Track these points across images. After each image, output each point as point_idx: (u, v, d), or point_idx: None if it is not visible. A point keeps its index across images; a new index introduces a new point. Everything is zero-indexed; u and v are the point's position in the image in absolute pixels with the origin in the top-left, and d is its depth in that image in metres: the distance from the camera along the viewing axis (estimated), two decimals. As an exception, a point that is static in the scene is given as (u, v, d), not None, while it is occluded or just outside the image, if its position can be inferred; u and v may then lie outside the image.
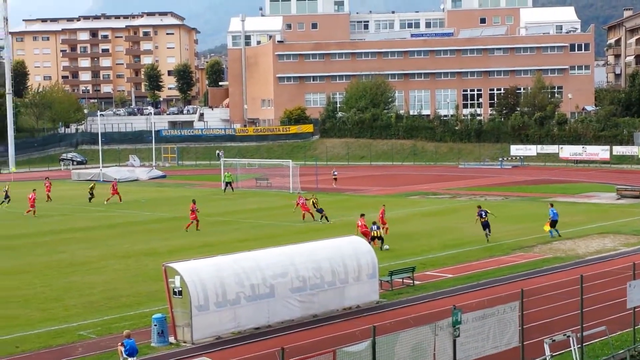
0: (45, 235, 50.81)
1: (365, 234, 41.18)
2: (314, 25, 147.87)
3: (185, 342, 25.81)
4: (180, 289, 26.01)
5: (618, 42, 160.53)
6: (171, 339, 25.95)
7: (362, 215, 43.55)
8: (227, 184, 75.22)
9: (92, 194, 68.99)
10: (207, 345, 25.58)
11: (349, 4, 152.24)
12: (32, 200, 60.56)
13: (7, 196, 67.35)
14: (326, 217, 52.68)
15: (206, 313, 25.97)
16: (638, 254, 39.71)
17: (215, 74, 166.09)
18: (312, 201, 54.34)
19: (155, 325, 25.61)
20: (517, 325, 21.23)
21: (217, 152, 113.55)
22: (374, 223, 43.26)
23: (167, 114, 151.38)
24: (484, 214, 44.71)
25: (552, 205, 46.94)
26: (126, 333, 23.30)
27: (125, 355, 22.69)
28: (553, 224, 45.49)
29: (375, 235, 41.95)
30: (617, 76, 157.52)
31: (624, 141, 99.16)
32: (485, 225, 44.41)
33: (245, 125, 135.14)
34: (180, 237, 48.61)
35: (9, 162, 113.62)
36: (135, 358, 22.88)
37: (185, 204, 65.63)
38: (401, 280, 33.51)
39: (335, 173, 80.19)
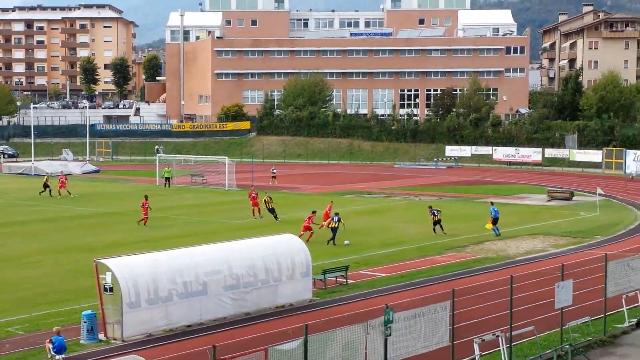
0: (-25, 229, 49.80)
1: (307, 228, 43.30)
2: (254, 22, 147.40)
3: (115, 340, 25.55)
4: (112, 285, 25.73)
5: (553, 45, 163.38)
6: (101, 336, 25.67)
7: (314, 212, 44.87)
8: (166, 179, 74.64)
9: (46, 185, 67.79)
10: (137, 342, 25.35)
11: (289, 1, 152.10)
12: None
13: (47, 186, 67.89)
14: (275, 216, 52.14)
15: (137, 310, 25.73)
16: (567, 255, 40.50)
17: (153, 68, 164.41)
18: (265, 200, 53.46)
19: (84, 322, 25.30)
20: (447, 325, 21.47)
21: (157, 147, 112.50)
22: (336, 214, 44.62)
23: (103, 108, 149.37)
24: (436, 212, 47.55)
25: (492, 204, 48.30)
26: (56, 329, 23.20)
27: (53, 353, 22.40)
28: (495, 221, 46.70)
29: (335, 226, 43.32)
30: (551, 79, 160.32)
31: (556, 144, 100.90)
32: (436, 223, 47.31)
33: (182, 121, 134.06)
34: (114, 232, 48.08)
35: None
36: (63, 355, 22.59)
37: (120, 199, 65.09)
38: (335, 278, 33.63)
39: (274, 171, 79.95)
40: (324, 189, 73.51)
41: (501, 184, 78.24)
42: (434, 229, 47.25)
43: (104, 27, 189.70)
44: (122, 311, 25.40)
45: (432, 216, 47.58)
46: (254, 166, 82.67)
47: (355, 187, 73.78)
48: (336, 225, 43.57)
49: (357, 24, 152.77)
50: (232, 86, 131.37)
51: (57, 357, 22.70)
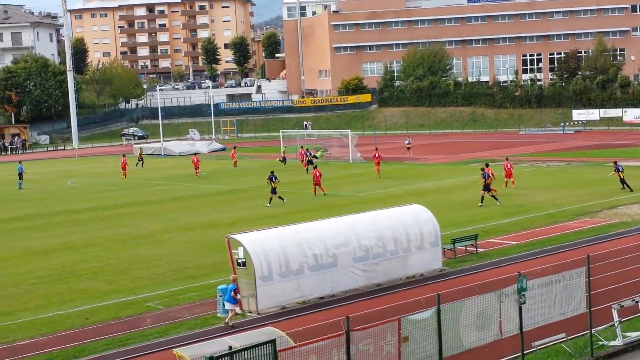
0: (109, 209, 51.61)
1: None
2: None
3: (250, 312, 26.05)
4: (244, 260, 26.21)
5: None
6: (237, 309, 26.18)
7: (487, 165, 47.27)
8: (313, 157, 73.57)
9: (141, 159, 76.07)
10: (272, 315, 25.78)
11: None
12: (124, 165, 69.11)
13: (140, 159, 77.72)
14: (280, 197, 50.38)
15: (270, 283, 26.15)
16: None
17: (272, 46, 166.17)
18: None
19: (220, 295, 25.85)
20: (584, 292, 20.97)
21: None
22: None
23: (225, 87, 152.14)
24: (620, 168, 48.51)
25: (615, 163, 49.06)
26: (232, 278, 25.40)
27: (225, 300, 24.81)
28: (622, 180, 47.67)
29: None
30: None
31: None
32: (622, 181, 48.08)
33: (302, 97, 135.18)
34: (241, 209, 48.96)
35: (73, 139, 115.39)
36: (231, 304, 24.71)
37: (245, 176, 66.19)
38: (464, 248, 33.32)
39: (409, 142, 79.05)
40: (448, 158, 72.83)
41: (634, 147, 75.69)
42: (623, 186, 47.90)
43: (222, 7, 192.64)
44: (255, 285, 25.86)
45: (617, 172, 48.27)
46: (376, 138, 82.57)
47: (481, 155, 72.71)
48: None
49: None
50: (351, 59, 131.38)
51: (227, 306, 24.84)
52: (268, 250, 26.43)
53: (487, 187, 45.52)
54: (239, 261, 26.41)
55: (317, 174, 52.83)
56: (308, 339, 21.01)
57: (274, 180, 49.46)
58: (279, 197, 49.40)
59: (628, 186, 47.67)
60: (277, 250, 26.63)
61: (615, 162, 49.25)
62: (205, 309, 26.60)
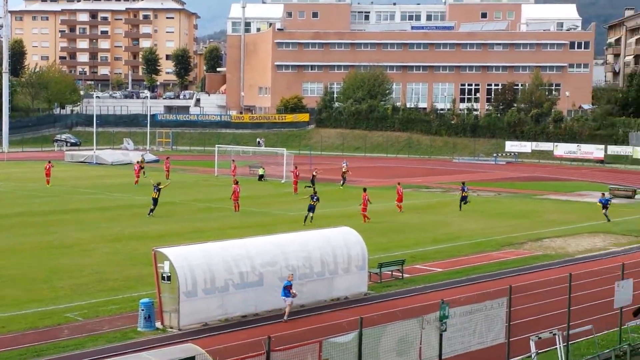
0: (37, 215, 50.67)
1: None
2: (315, 14, 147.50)
3: (171, 328, 25.78)
4: (169, 274, 25.97)
5: (618, 41, 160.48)
6: (158, 324, 25.92)
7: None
8: (260, 176, 74.60)
9: (142, 167, 74.03)
10: (193, 331, 25.55)
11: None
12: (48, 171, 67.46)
13: (142, 167, 73.96)
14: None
15: (194, 299, 25.93)
16: (628, 254, 39.82)
17: (214, 59, 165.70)
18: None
19: (142, 309, 25.57)
20: (504, 322, 21.25)
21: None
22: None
23: (164, 99, 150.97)
24: (465, 188, 55.70)
25: (603, 195, 53.13)
26: (289, 275, 27.29)
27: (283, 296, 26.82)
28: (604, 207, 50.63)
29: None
30: (616, 75, 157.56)
31: (619, 141, 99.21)
32: (463, 199, 54.84)
33: (241, 112, 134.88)
34: (171, 222, 48.52)
35: (2, 142, 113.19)
36: (290, 299, 26.74)
37: (177, 189, 65.64)
38: (390, 272, 33.51)
39: (346, 164, 78.67)
40: (381, 182, 73.27)
41: (562, 181, 77.19)
42: (460, 205, 54.52)
43: (167, 18, 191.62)
44: (179, 300, 25.62)
45: (461, 192, 55.19)
46: (312, 158, 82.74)
47: (413, 181, 73.37)
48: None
49: (418, 17, 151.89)
50: (292, 78, 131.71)
51: (286, 301, 26.78)
52: (194, 265, 26.23)
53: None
54: (163, 275, 26.17)
55: (237, 190, 52.95)
56: (228, 358, 20.92)
57: (157, 191, 51.10)
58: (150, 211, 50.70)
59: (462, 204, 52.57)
60: (203, 265, 26.44)
61: (603, 194, 52.67)
62: (126, 322, 26.25)
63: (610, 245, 42.87)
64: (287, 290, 26.88)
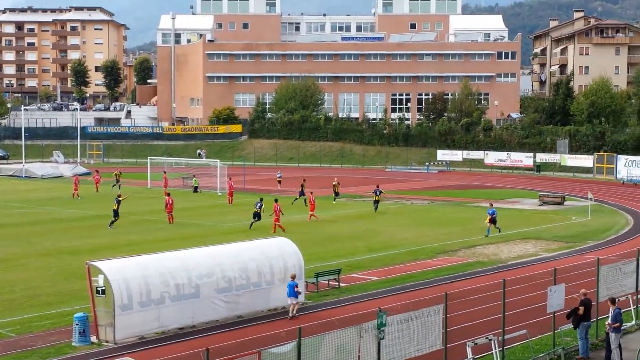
0: (-35, 231, 49.57)
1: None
2: (245, 25, 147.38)
3: (107, 342, 25.45)
4: (104, 287, 25.66)
5: (544, 51, 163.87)
6: (93, 339, 25.57)
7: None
8: (194, 188, 74.14)
9: (118, 181, 74.60)
10: (129, 345, 25.26)
11: (281, 5, 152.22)
12: None
13: (118, 180, 74.62)
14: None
15: (129, 312, 25.65)
16: (558, 259, 40.54)
17: (144, 71, 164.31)
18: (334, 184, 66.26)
19: (76, 324, 25.20)
20: (440, 328, 21.45)
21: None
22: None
23: (94, 111, 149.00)
24: (378, 192, 58.83)
25: (491, 205, 49.65)
26: (292, 275, 28.91)
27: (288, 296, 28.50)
28: (493, 220, 48.08)
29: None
30: (542, 85, 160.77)
31: (547, 149, 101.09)
32: (376, 202, 58.46)
33: (173, 124, 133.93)
34: (104, 235, 47.93)
35: None
36: (295, 300, 28.44)
37: (109, 202, 64.67)
38: (327, 282, 33.59)
39: (280, 175, 79.58)
40: (316, 192, 73.29)
41: (493, 189, 78.34)
42: (375, 206, 58.43)
43: (95, 29, 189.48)
44: (114, 313, 25.32)
45: (374, 195, 58.63)
46: (245, 169, 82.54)
47: (347, 190, 73.67)
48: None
49: (348, 28, 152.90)
50: (224, 89, 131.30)
51: (292, 301, 28.45)
52: (129, 278, 25.95)
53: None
54: (98, 289, 25.84)
55: (170, 202, 52.64)
56: (165, 371, 20.73)
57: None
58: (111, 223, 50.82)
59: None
60: (138, 278, 26.18)
61: (491, 204, 50.50)
62: (61, 337, 25.84)
63: (542, 251, 43.63)
64: (292, 289, 28.42)
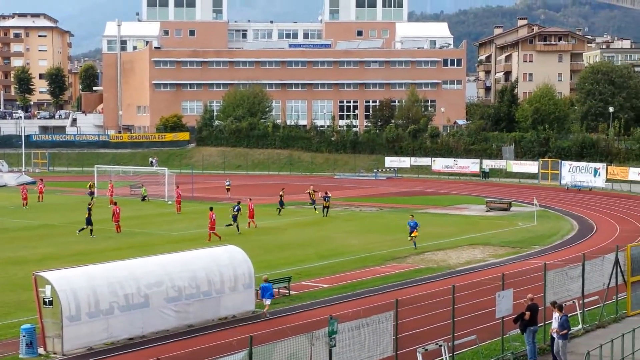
0: None
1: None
2: (192, 32, 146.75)
3: (55, 354, 25.12)
4: (51, 298, 25.33)
5: (488, 58, 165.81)
6: (40, 350, 25.22)
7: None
8: (143, 197, 73.39)
9: (92, 192, 72.29)
10: (78, 356, 24.98)
11: (228, 12, 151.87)
12: None
13: (92, 192, 71.98)
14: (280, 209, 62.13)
15: (78, 323, 25.34)
16: (506, 265, 41.02)
17: (89, 78, 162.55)
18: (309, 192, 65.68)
19: (23, 336, 24.83)
20: (391, 335, 21.55)
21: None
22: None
23: (38, 119, 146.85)
24: (327, 198, 60.93)
25: (412, 217, 47.50)
26: (264, 278, 30.69)
27: (262, 298, 29.97)
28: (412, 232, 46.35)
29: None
30: (487, 91, 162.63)
31: (493, 155, 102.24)
32: (325, 208, 60.79)
33: (119, 132, 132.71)
34: (50, 245, 47.28)
35: None
36: (269, 300, 29.96)
37: (56, 211, 64.01)
38: (277, 290, 33.53)
39: (229, 183, 79.28)
40: (264, 200, 73.27)
41: (440, 195, 78.99)
42: (324, 212, 60.61)
43: (39, 36, 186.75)
44: (62, 325, 25.00)
45: (324, 201, 60.67)
46: (193, 177, 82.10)
47: (296, 198, 73.71)
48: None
49: (295, 35, 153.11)
50: (171, 97, 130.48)
51: (266, 302, 29.91)
52: (77, 289, 25.65)
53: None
54: (45, 300, 25.49)
55: (117, 211, 52.37)
56: (115, 382, 20.53)
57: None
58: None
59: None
60: (86, 289, 25.88)
61: (412, 216, 47.83)
62: (7, 349, 25.43)
63: (489, 256, 44.09)
64: (266, 291, 30.03)
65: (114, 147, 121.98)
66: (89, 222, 50.83)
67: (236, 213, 52.51)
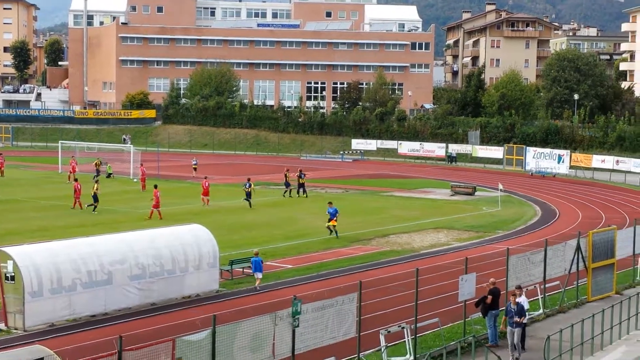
0: None
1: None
2: (160, 9, 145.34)
3: (16, 329, 24.97)
4: (13, 274, 25.16)
5: (456, 43, 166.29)
6: (1, 326, 25.06)
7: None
8: (108, 174, 72.49)
9: (98, 172, 69.66)
10: (40, 332, 24.84)
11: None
12: None
13: (98, 172, 69.26)
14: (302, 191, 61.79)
15: (40, 299, 25.21)
16: (469, 249, 41.34)
17: (55, 53, 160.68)
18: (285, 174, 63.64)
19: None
20: (354, 316, 21.67)
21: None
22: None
23: (2, 92, 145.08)
24: (302, 175, 61.62)
25: (331, 204, 44.94)
26: (255, 252, 31.92)
27: (253, 272, 31.25)
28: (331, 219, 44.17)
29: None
30: (455, 76, 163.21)
31: (459, 140, 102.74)
32: (301, 186, 61.03)
33: (85, 108, 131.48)
34: (12, 221, 46.85)
35: None
36: (261, 273, 31.10)
37: (18, 186, 63.37)
38: (242, 269, 33.56)
39: (195, 162, 78.76)
40: (230, 179, 73.15)
41: (406, 178, 79.29)
42: (298, 191, 60.71)
43: (4, 8, 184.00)
44: (24, 300, 24.85)
45: (299, 178, 60.71)
46: (159, 155, 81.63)
47: (262, 178, 73.61)
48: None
49: (264, 15, 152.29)
50: (137, 73, 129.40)
51: (258, 275, 31.12)
52: (39, 264, 25.49)
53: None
54: (7, 275, 25.31)
55: (78, 188, 52.00)
56: (78, 358, 20.45)
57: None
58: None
59: (304, 192, 58.96)
60: (49, 265, 25.73)
61: (330, 203, 45.07)
62: (-33, 325, 25.22)
63: (453, 240, 44.40)
64: (258, 265, 31.12)
65: (78, 122, 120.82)
66: (95, 198, 50.77)
67: (248, 190, 54.73)
